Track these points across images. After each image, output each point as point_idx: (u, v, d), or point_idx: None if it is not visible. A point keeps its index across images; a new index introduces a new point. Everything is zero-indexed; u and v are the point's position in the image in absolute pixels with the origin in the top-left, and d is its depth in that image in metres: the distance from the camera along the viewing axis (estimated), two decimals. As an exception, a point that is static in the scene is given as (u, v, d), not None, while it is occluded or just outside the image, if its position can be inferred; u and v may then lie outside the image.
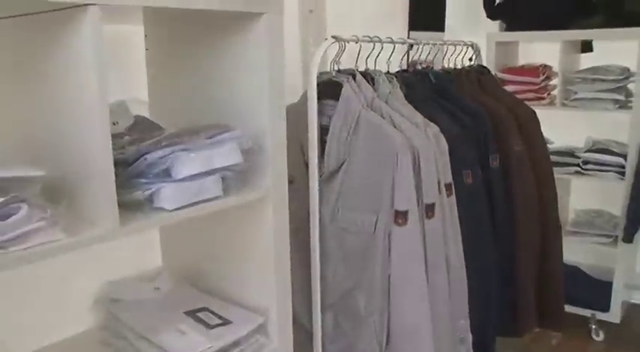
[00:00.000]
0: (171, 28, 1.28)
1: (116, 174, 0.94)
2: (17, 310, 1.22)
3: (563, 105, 2.84)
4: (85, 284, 1.28)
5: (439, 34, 2.83)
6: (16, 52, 1.03)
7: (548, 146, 2.26)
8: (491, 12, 2.89)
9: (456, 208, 1.48)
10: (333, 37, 1.43)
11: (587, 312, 2.89)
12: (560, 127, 2.78)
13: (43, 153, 0.99)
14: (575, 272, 3.12)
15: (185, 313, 1.22)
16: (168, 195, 1.02)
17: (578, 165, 2.86)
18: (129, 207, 0.99)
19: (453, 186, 1.48)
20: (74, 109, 0.93)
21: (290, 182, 1.26)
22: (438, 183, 1.43)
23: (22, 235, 0.86)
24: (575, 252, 3.01)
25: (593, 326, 2.86)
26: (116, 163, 0.94)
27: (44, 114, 0.99)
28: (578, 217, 3.12)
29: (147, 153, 1.01)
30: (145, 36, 1.34)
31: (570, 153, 2.90)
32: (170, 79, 1.30)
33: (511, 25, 2.91)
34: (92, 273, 1.29)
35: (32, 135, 1.03)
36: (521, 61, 3.09)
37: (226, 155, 1.11)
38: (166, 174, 1.03)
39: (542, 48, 3.00)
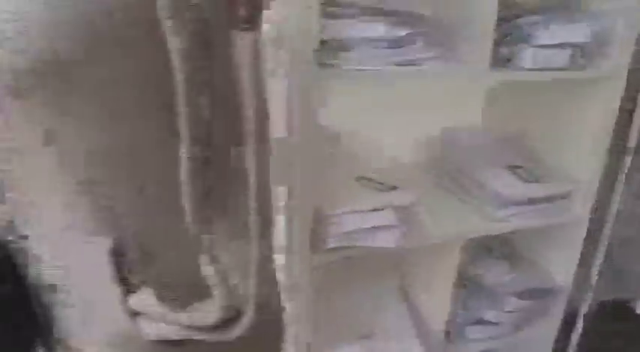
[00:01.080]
0: None
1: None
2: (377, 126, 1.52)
3: None
4: (423, 126, 1.55)
5: None
6: None
7: None
8: None
9: None
10: None
11: None
12: None
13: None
14: None
15: (504, 166, 1.43)
16: (527, 55, 1.21)
17: None
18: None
19: None
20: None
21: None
22: None
23: (417, 60, 1.13)
24: None
25: None
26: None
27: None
28: None
29: (518, 17, 1.20)
30: None
31: None
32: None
33: None
34: (430, 119, 1.55)
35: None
36: None
37: (580, 33, 1.24)
38: (528, 39, 1.21)
39: None
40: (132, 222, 0.59)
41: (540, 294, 1.49)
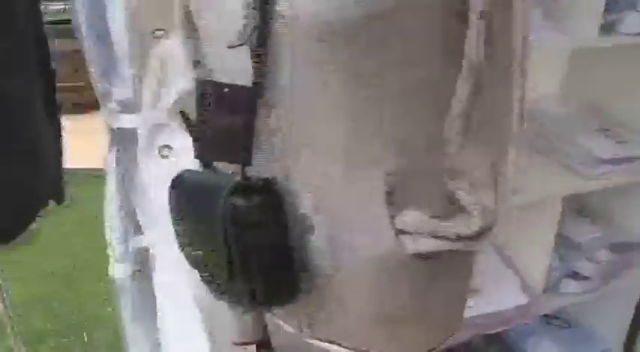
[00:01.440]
0: None
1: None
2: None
3: None
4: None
5: None
6: None
7: None
8: None
9: None
10: None
11: None
12: None
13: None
14: None
15: (594, 130, 1.50)
16: (630, 21, 1.27)
17: None
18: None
19: None
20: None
21: None
22: None
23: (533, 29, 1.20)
24: None
25: None
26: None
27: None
28: None
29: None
30: None
31: None
32: None
33: None
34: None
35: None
36: None
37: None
38: (636, 4, 1.27)
39: None
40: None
41: (625, 248, 1.58)
